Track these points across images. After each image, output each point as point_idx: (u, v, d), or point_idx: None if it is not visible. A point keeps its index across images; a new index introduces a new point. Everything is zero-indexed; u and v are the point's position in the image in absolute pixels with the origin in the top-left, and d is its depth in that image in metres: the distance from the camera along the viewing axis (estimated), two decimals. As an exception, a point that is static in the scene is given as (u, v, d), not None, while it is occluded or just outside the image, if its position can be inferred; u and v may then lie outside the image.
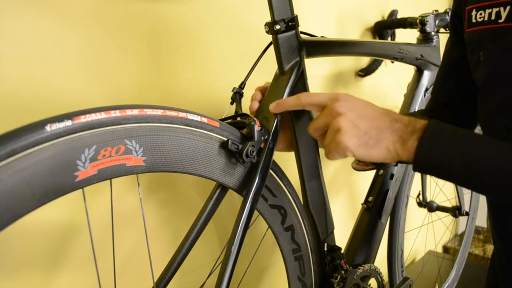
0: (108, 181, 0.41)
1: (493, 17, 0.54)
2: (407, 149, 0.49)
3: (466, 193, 1.44)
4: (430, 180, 1.54)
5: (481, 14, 0.56)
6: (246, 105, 0.64)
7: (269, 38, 0.63)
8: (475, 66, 0.60)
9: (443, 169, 0.48)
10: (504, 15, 0.52)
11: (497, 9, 0.53)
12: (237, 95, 0.64)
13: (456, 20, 0.65)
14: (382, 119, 0.51)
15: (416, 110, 0.98)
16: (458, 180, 0.50)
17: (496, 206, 0.61)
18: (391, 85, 1.39)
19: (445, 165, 0.47)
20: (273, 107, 0.58)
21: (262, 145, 0.57)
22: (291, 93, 0.62)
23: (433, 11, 1.00)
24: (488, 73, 0.56)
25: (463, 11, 0.61)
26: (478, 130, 0.93)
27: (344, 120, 0.50)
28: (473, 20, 0.57)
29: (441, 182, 1.71)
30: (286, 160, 0.88)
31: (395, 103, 1.39)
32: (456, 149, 0.47)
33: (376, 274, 0.84)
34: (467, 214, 1.37)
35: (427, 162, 0.48)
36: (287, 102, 0.57)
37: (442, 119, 0.74)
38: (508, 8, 0.51)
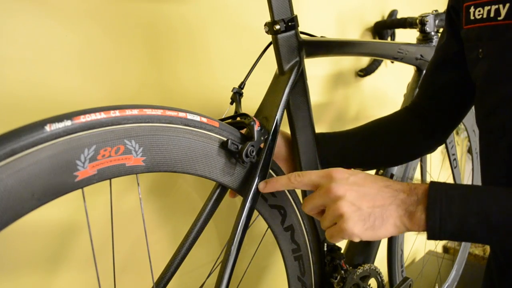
0: (108, 181, 0.41)
1: (492, 14, 0.53)
2: (416, 222, 0.46)
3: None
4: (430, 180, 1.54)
5: (479, 11, 0.55)
6: (246, 105, 0.64)
7: (268, 38, 0.63)
8: (473, 64, 0.59)
9: (458, 234, 0.46)
10: (503, 12, 0.52)
11: (496, 6, 0.52)
12: (237, 95, 0.64)
13: (453, 16, 0.65)
14: (383, 194, 0.48)
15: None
16: (475, 239, 0.47)
17: None
18: (391, 85, 1.40)
19: (459, 229, 0.45)
20: (262, 187, 0.55)
21: (261, 145, 0.57)
22: (291, 93, 0.62)
23: (433, 11, 1.00)
24: (487, 71, 0.56)
25: (460, 7, 0.60)
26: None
27: (346, 204, 0.47)
28: (471, 17, 0.57)
29: (441, 182, 1.71)
30: (286, 160, 0.88)
31: (395, 103, 1.39)
32: (465, 211, 0.45)
33: (376, 274, 0.84)
34: (467, 214, 1.37)
35: (440, 232, 0.46)
36: (278, 182, 0.54)
37: (427, 113, 0.74)
38: (507, 5, 0.51)
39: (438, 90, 0.73)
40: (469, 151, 1.50)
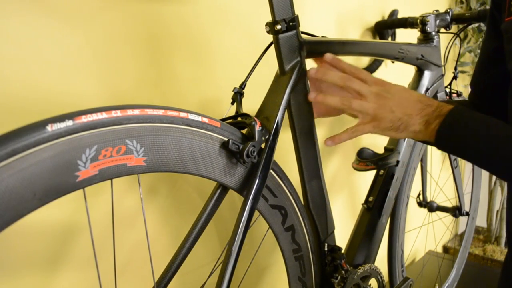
0: (109, 181, 0.41)
1: None
2: (429, 131, 0.56)
3: (467, 193, 1.44)
4: (430, 180, 1.55)
5: None
6: (247, 105, 0.64)
7: (269, 38, 0.63)
8: (510, 56, 0.60)
9: (460, 147, 0.55)
10: None
11: None
12: (238, 95, 0.64)
13: (494, 12, 0.66)
14: (416, 106, 0.58)
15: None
16: (474, 156, 0.56)
17: None
18: (392, 85, 1.39)
19: (461, 145, 0.55)
20: (328, 57, 0.65)
21: (262, 145, 0.57)
22: (292, 93, 0.62)
23: (433, 11, 1.00)
24: None
25: (503, 2, 0.61)
26: None
27: (386, 108, 0.58)
28: None
29: (442, 182, 1.71)
30: (287, 160, 0.88)
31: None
32: (471, 129, 0.54)
33: (377, 274, 0.84)
34: (467, 214, 1.37)
35: (445, 141, 0.55)
36: (341, 63, 0.65)
37: (480, 111, 0.75)
38: None
39: (484, 87, 0.74)
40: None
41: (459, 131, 0.55)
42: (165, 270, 0.54)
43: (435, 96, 1.02)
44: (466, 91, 1.76)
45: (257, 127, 0.55)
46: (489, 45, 0.70)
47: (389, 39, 1.26)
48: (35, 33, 0.55)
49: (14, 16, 0.52)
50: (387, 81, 0.62)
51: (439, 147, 0.57)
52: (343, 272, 0.72)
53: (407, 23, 1.10)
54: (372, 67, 1.23)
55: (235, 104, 0.64)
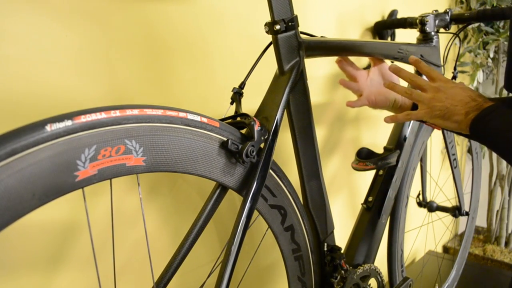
0: (108, 181, 0.41)
1: None
2: (466, 121, 0.61)
3: (466, 193, 1.44)
4: (430, 180, 1.55)
5: None
6: (246, 105, 0.64)
7: (269, 38, 0.63)
8: None
9: (491, 138, 0.59)
10: None
11: None
12: (237, 95, 0.64)
13: None
14: (463, 99, 0.63)
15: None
16: (504, 149, 0.60)
17: None
18: (391, 85, 1.39)
19: (492, 134, 0.59)
20: (413, 59, 0.73)
21: (262, 145, 0.57)
22: (291, 93, 0.62)
23: (433, 11, 1.00)
24: None
25: None
26: None
27: (438, 100, 0.65)
28: None
29: (441, 182, 1.71)
30: (286, 160, 0.88)
31: (395, 103, 1.39)
32: (503, 122, 0.58)
33: (376, 274, 0.84)
34: (467, 214, 1.37)
35: (477, 130, 0.60)
36: (422, 63, 0.72)
37: None
38: None
39: None
40: (469, 151, 1.50)
41: (489, 123, 0.59)
42: (165, 269, 0.55)
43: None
44: (465, 91, 1.76)
45: (256, 127, 0.55)
46: None
47: (389, 39, 1.26)
48: (35, 33, 0.55)
49: (14, 16, 0.52)
50: (451, 81, 0.69)
51: (472, 137, 0.63)
52: (343, 272, 0.72)
53: (407, 23, 1.10)
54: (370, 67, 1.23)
55: (234, 104, 0.64)
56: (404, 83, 0.79)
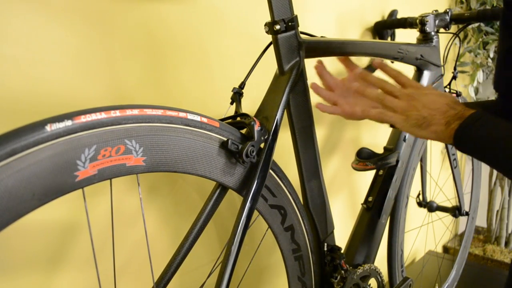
0: (108, 181, 0.41)
1: None
2: (449, 131, 0.59)
3: (466, 193, 1.44)
4: (430, 180, 1.55)
5: None
6: (246, 105, 0.64)
7: (269, 38, 0.63)
8: None
9: (477, 148, 0.57)
10: None
11: None
12: (237, 95, 0.64)
13: (506, 11, 0.66)
14: (442, 108, 0.61)
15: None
16: (491, 158, 0.57)
17: None
18: (391, 85, 1.39)
19: (478, 144, 0.56)
20: (377, 62, 0.73)
21: (262, 145, 0.57)
22: (291, 93, 0.62)
23: (433, 11, 1.00)
24: None
25: None
26: None
27: (414, 107, 0.62)
28: None
29: (441, 182, 1.71)
30: (286, 160, 0.88)
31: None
32: (488, 130, 0.55)
33: (376, 274, 0.84)
34: (467, 214, 1.37)
35: (462, 141, 0.57)
36: (388, 66, 0.72)
37: (504, 111, 0.75)
38: None
39: (505, 87, 0.73)
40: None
41: (476, 132, 0.56)
42: (165, 270, 0.55)
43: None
44: (465, 91, 1.76)
45: (256, 127, 0.55)
46: (505, 45, 0.69)
47: (389, 39, 1.26)
48: (35, 33, 0.55)
49: (14, 15, 0.52)
50: (424, 86, 0.67)
51: (457, 147, 0.59)
52: (343, 272, 0.72)
53: (407, 23, 1.11)
54: (371, 67, 1.23)
55: (234, 104, 0.64)
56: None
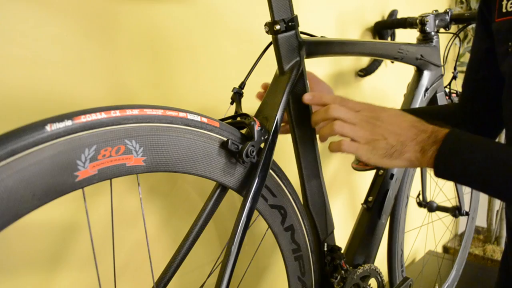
0: (108, 181, 0.41)
1: None
2: (426, 158, 0.53)
3: (466, 193, 1.44)
4: (430, 180, 1.54)
5: None
6: (246, 105, 0.64)
7: (269, 38, 0.63)
8: (502, 58, 0.59)
9: (459, 176, 0.52)
10: None
11: None
12: (237, 95, 0.64)
13: (484, 11, 0.64)
14: (409, 132, 0.55)
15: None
16: (474, 184, 0.53)
17: None
18: (391, 85, 1.40)
19: (460, 173, 0.52)
20: (308, 98, 0.61)
21: (262, 145, 0.57)
22: (291, 93, 0.62)
23: (433, 11, 1.00)
24: None
25: (493, 0, 0.60)
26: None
27: (378, 134, 0.55)
28: (504, 10, 0.57)
29: (441, 182, 1.71)
30: (286, 160, 0.88)
31: (395, 103, 1.39)
32: (470, 158, 0.51)
33: (376, 274, 0.84)
34: (467, 214, 1.37)
35: (444, 171, 0.52)
36: (324, 98, 0.60)
37: (470, 113, 0.73)
38: None
39: (476, 89, 0.72)
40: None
41: (458, 157, 0.51)
42: (165, 270, 0.55)
43: (434, 96, 1.02)
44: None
45: (256, 127, 0.55)
46: (480, 46, 0.68)
47: (389, 39, 1.26)
48: (35, 33, 0.55)
49: (14, 15, 0.52)
50: (377, 105, 0.59)
51: (438, 175, 0.54)
52: (343, 272, 0.72)
53: (407, 23, 1.11)
54: (371, 67, 1.23)
55: (234, 104, 0.64)
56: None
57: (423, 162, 0.54)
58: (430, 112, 0.80)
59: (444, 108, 0.82)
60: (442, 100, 1.05)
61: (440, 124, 0.56)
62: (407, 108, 0.79)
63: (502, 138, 0.94)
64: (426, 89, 0.98)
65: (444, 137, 0.53)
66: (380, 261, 0.99)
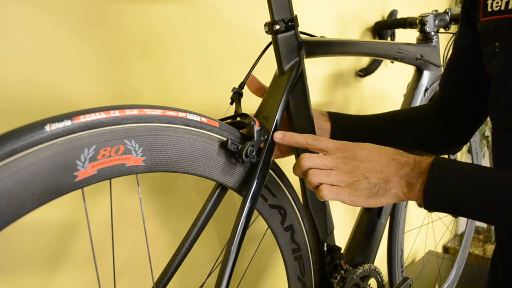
0: (108, 181, 0.41)
1: (510, 6, 0.52)
2: (415, 193, 0.51)
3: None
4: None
5: (497, 2, 0.55)
6: (246, 105, 0.64)
7: (268, 38, 0.63)
8: (489, 58, 0.58)
9: (452, 208, 0.50)
10: None
11: None
12: (237, 95, 0.64)
13: (469, 9, 0.63)
14: (390, 167, 0.52)
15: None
16: (468, 214, 0.52)
17: None
18: (391, 85, 1.40)
19: (452, 204, 0.49)
20: (279, 137, 0.57)
21: (261, 145, 0.57)
22: (291, 93, 0.62)
23: (432, 11, 1.00)
24: (504, 65, 0.54)
25: None
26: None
27: (355, 176, 0.52)
28: (489, 9, 0.56)
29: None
30: (286, 160, 0.88)
31: (395, 103, 1.39)
32: (460, 187, 0.49)
33: (376, 274, 0.84)
34: (467, 214, 1.37)
35: (435, 204, 0.50)
36: (295, 138, 0.57)
37: (448, 111, 0.72)
38: None
39: (456, 88, 0.71)
40: (469, 151, 1.50)
41: (447, 188, 0.49)
42: (164, 270, 0.55)
43: (434, 96, 1.02)
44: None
45: (256, 127, 0.55)
46: (465, 43, 0.67)
47: (389, 39, 1.26)
48: (35, 33, 0.55)
49: (14, 15, 0.52)
50: (351, 143, 0.55)
51: (429, 208, 0.51)
52: (343, 272, 0.72)
53: (406, 23, 1.11)
54: (371, 67, 1.23)
55: (234, 104, 0.64)
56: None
57: (411, 196, 0.51)
58: (399, 115, 0.78)
59: (418, 108, 0.81)
60: (442, 100, 1.05)
61: (420, 153, 0.53)
62: (381, 113, 0.77)
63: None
64: (426, 89, 0.98)
65: (428, 167, 0.50)
66: (380, 261, 0.99)
